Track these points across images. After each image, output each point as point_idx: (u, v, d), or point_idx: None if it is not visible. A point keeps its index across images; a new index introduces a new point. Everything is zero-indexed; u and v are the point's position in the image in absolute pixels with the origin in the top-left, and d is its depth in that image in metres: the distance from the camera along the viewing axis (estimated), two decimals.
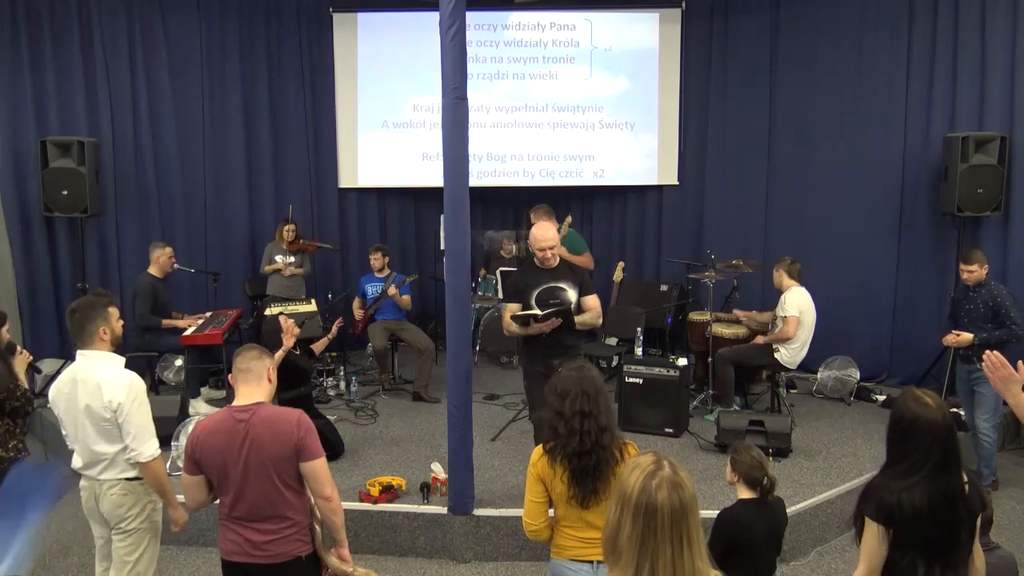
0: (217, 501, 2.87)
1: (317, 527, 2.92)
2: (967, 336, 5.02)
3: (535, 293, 4.43)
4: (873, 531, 2.36)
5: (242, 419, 2.75)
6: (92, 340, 3.16)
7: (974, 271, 5.12)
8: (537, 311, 4.32)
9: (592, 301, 4.51)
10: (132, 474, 3.18)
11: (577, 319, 4.38)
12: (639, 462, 1.74)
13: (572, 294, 4.45)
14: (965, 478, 2.39)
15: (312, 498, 2.88)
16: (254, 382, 2.83)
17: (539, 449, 2.72)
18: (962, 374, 5.28)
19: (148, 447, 3.13)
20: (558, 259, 4.48)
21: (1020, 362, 2.58)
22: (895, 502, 2.31)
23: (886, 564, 2.37)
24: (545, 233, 4.43)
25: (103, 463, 3.16)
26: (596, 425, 2.60)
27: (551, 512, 2.75)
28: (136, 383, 3.15)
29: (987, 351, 2.62)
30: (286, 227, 7.27)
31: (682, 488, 1.67)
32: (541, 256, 4.43)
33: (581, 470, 2.59)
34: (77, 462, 3.22)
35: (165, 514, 3.36)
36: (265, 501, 2.75)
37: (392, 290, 6.80)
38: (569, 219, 6.26)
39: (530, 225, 8.35)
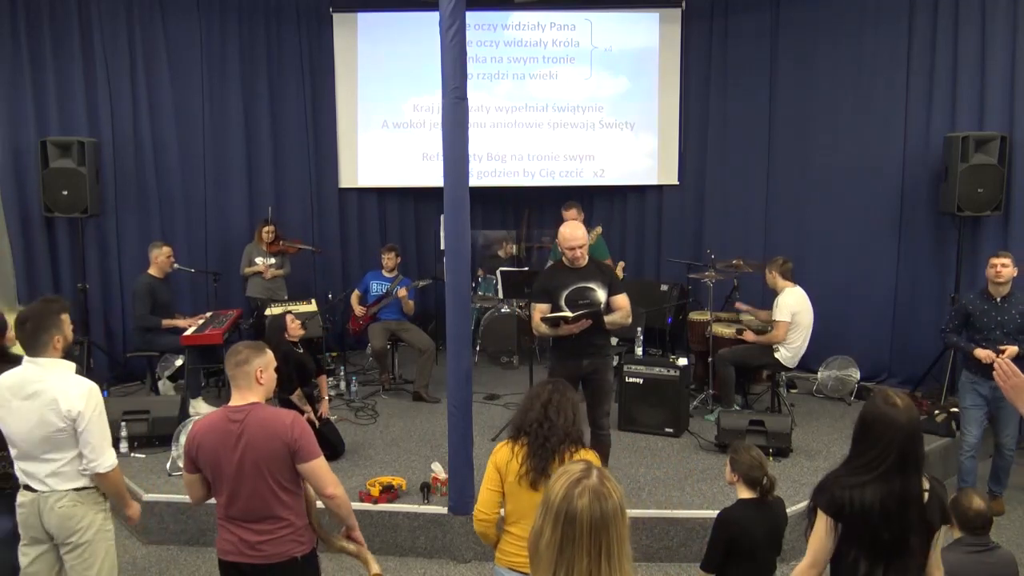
0: (214, 500, 2.88)
1: (314, 525, 2.93)
2: (1012, 349, 4.54)
3: (564, 293, 4.39)
4: (823, 523, 2.39)
5: (236, 419, 2.76)
6: (46, 349, 3.03)
7: (1007, 265, 4.71)
8: (568, 312, 4.29)
9: (622, 300, 4.48)
10: (82, 484, 3.06)
11: (607, 319, 4.36)
12: (568, 468, 1.72)
13: (601, 294, 4.41)
14: (927, 485, 2.37)
15: (314, 496, 2.90)
16: (245, 384, 2.82)
17: (504, 441, 2.86)
18: (984, 391, 4.76)
19: (107, 457, 3.02)
20: (587, 258, 4.44)
21: (998, 355, 2.58)
22: (847, 497, 2.33)
23: (833, 558, 2.40)
24: (574, 232, 4.38)
25: (52, 474, 3.02)
26: (551, 428, 2.75)
27: (501, 512, 2.86)
28: (95, 391, 3.04)
29: (998, 359, 2.60)
30: (265, 228, 7.26)
31: (606, 499, 1.63)
32: (571, 256, 4.38)
33: (540, 445, 2.73)
34: (22, 475, 3.08)
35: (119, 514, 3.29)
36: (259, 502, 2.76)
37: (402, 292, 6.80)
38: (599, 229, 6.28)
39: (530, 225, 8.49)
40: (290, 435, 2.73)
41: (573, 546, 1.61)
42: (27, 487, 3.09)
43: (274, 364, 2.92)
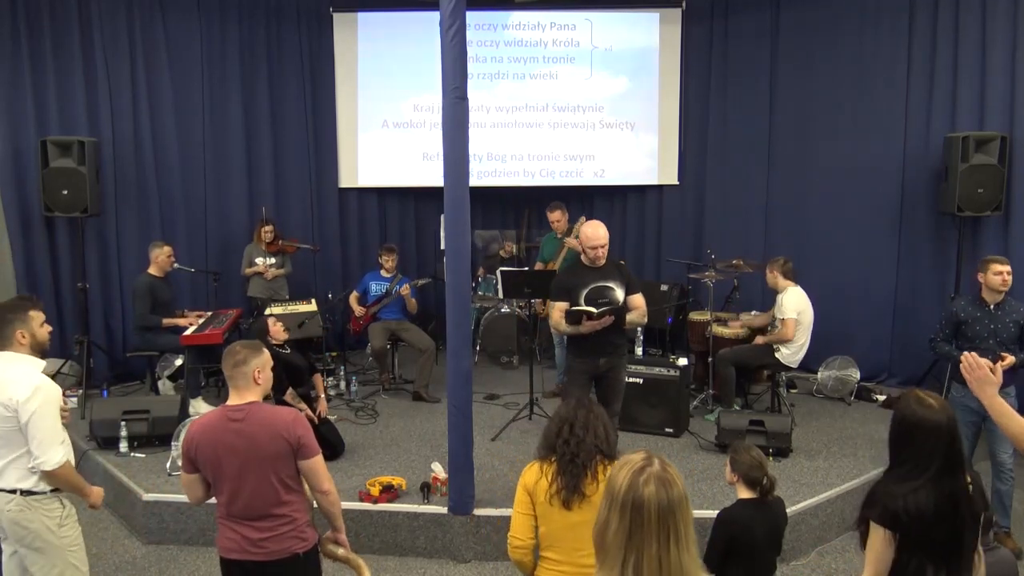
0: (214, 500, 2.88)
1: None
2: (1010, 359, 4.35)
3: (584, 292, 4.43)
4: (880, 536, 2.34)
5: (236, 418, 2.77)
6: (8, 343, 3.03)
7: (1011, 272, 4.47)
8: (591, 309, 4.32)
9: (639, 299, 4.54)
10: (30, 485, 2.99)
11: (627, 317, 4.43)
12: (629, 459, 1.74)
13: (620, 293, 4.47)
14: (969, 479, 2.37)
15: (310, 492, 2.92)
16: (243, 383, 2.83)
17: (531, 463, 2.74)
18: (976, 405, 4.08)
19: (54, 454, 2.96)
20: (605, 257, 4.50)
21: (997, 364, 2.56)
22: (901, 506, 2.29)
23: (893, 568, 2.35)
24: (596, 231, 4.42)
25: (2, 471, 2.99)
26: (579, 444, 2.63)
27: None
28: (47, 387, 3.00)
29: (964, 353, 2.57)
30: (264, 228, 7.26)
31: (671, 485, 1.67)
32: (592, 255, 4.43)
33: (570, 461, 2.61)
34: None
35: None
36: (262, 499, 2.78)
37: (405, 289, 6.80)
38: (583, 220, 6.28)
39: (529, 224, 8.49)
40: (292, 432, 2.76)
41: (642, 533, 1.64)
42: None
43: (271, 364, 2.93)
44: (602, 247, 4.41)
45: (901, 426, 2.38)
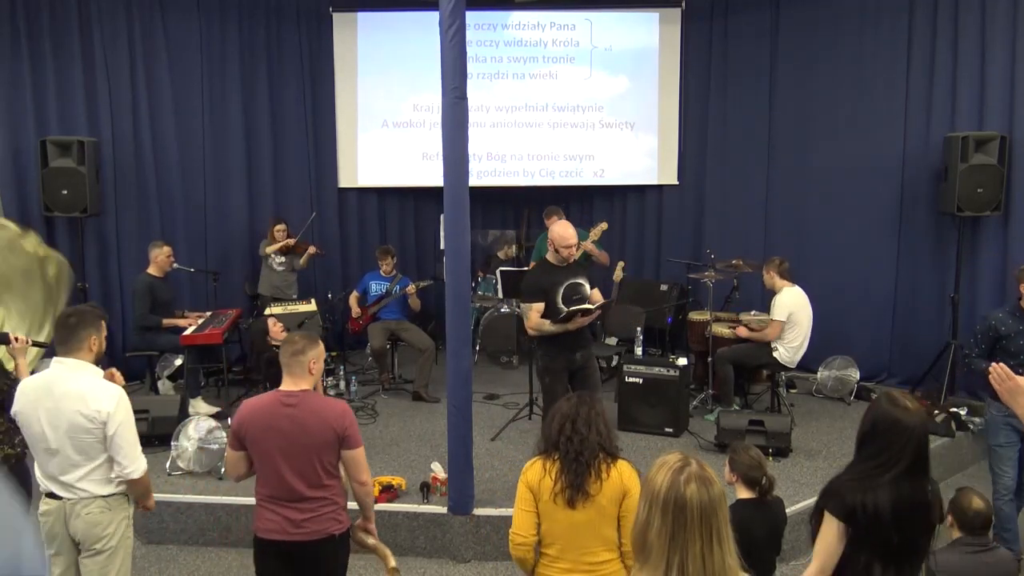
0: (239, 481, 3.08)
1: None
2: None
3: (560, 290, 4.55)
4: (832, 528, 2.35)
5: (289, 404, 2.94)
6: (80, 348, 3.02)
7: None
8: (589, 305, 4.48)
9: (597, 294, 4.73)
10: (109, 491, 3.04)
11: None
12: (666, 460, 1.77)
13: (587, 289, 4.64)
14: (928, 486, 2.37)
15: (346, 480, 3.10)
16: (299, 372, 2.99)
17: (533, 459, 2.73)
18: (1019, 424, 3.98)
19: (141, 463, 3.03)
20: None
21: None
22: (859, 500, 2.30)
23: (841, 562, 2.36)
24: (568, 231, 4.57)
25: (82, 479, 3.00)
26: (582, 442, 2.61)
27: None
28: (125, 397, 3.03)
29: (993, 364, 2.48)
30: (277, 227, 7.26)
31: (711, 484, 1.71)
32: (566, 254, 4.55)
33: (574, 460, 2.59)
34: (46, 482, 3.03)
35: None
36: (305, 483, 2.93)
37: (411, 288, 6.78)
38: (605, 224, 6.33)
39: (529, 225, 8.49)
40: (341, 423, 2.94)
41: (685, 532, 1.66)
42: (51, 495, 3.04)
43: (324, 355, 3.10)
44: (575, 246, 4.58)
45: (873, 424, 2.39)
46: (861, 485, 2.32)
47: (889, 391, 2.48)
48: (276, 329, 5.43)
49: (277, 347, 5.35)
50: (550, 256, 4.64)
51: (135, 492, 3.12)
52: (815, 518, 2.43)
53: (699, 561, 1.65)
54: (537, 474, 2.65)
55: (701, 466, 1.74)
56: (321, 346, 3.08)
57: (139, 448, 3.06)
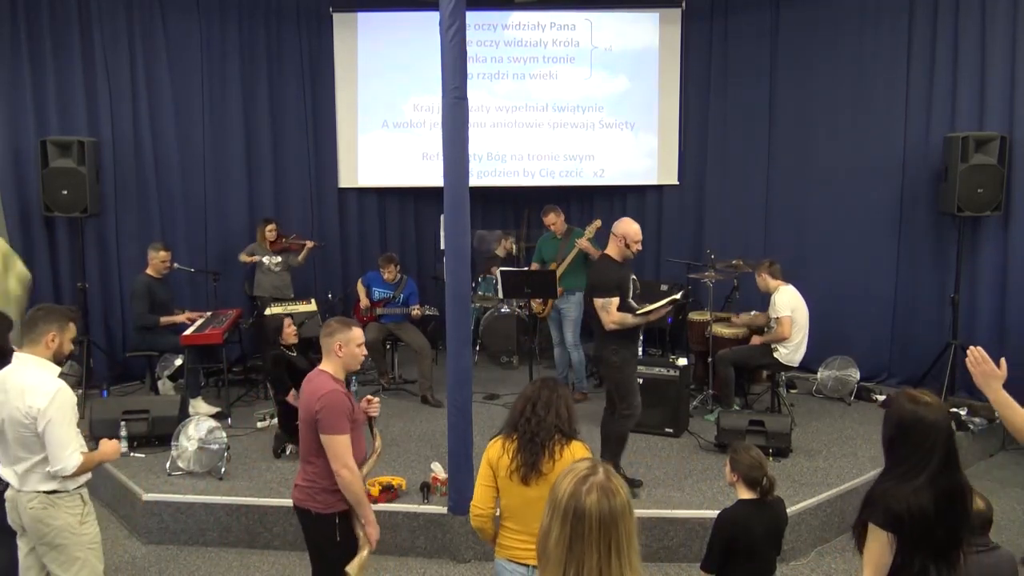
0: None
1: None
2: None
3: (629, 286, 4.72)
4: (880, 539, 2.30)
5: (311, 379, 3.18)
6: (38, 343, 3.07)
7: None
8: (676, 296, 4.77)
9: None
10: (51, 487, 3.06)
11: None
12: (574, 467, 1.72)
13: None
14: (962, 477, 2.37)
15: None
16: (325, 352, 3.18)
17: (495, 438, 2.90)
18: None
19: (70, 461, 3.03)
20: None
21: (1003, 359, 2.57)
22: (904, 508, 2.25)
23: (897, 571, 2.31)
24: (636, 226, 4.69)
25: (21, 474, 3.05)
26: (539, 423, 2.77)
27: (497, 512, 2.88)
28: (64, 393, 3.04)
29: (972, 347, 2.60)
30: (267, 227, 7.24)
31: (614, 495, 1.64)
32: (635, 249, 4.67)
33: (529, 440, 2.74)
34: (2, 470, 3.14)
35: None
36: (305, 448, 3.14)
37: (416, 312, 6.69)
38: (599, 222, 6.39)
39: (529, 224, 8.48)
40: (316, 406, 3.03)
41: (583, 543, 1.62)
42: (8, 484, 3.13)
43: (358, 341, 3.20)
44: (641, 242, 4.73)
45: (899, 426, 2.35)
46: (900, 491, 2.27)
47: (906, 389, 2.46)
48: (290, 331, 5.43)
49: (286, 346, 5.37)
50: (612, 252, 4.66)
51: (80, 474, 3.12)
52: (858, 529, 2.39)
53: (595, 573, 1.60)
54: (497, 452, 2.82)
55: (608, 476, 1.68)
56: (354, 332, 3.18)
57: (71, 447, 3.04)
